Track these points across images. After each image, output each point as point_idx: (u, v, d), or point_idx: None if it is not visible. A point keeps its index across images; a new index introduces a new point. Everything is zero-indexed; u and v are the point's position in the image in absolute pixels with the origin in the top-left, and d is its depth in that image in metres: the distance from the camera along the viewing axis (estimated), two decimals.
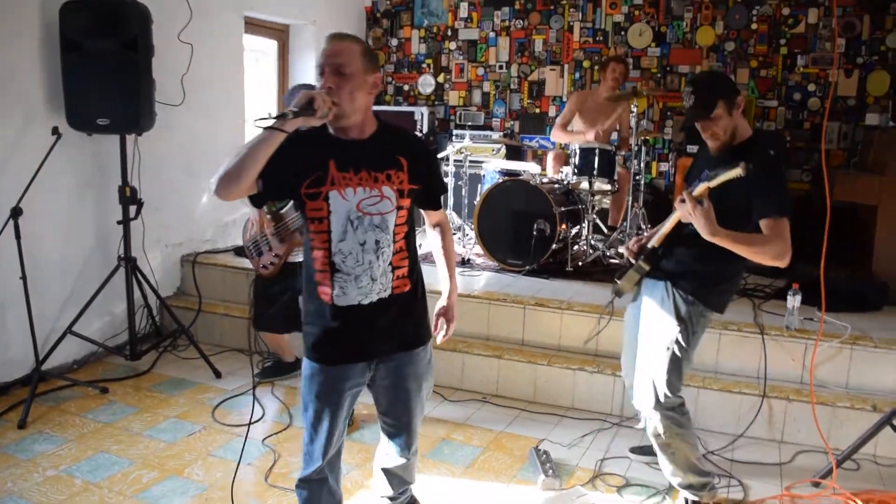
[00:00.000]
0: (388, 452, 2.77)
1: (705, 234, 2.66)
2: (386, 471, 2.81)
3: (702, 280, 2.95)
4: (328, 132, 2.31)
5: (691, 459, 3.10)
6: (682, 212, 2.72)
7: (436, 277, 2.74)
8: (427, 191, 2.46)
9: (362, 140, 2.31)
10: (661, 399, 2.99)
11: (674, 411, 3.03)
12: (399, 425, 2.66)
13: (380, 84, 2.32)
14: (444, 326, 2.64)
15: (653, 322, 3.03)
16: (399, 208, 2.32)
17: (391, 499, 2.90)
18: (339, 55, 2.20)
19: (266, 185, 2.20)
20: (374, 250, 2.30)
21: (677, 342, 2.95)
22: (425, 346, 2.56)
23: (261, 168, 2.10)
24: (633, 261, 3.14)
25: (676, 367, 2.98)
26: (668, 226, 2.94)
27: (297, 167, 2.24)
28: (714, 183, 2.63)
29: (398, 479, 2.84)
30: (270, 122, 2.08)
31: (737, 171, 2.55)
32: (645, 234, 3.36)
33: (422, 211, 2.62)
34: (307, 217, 2.30)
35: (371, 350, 2.44)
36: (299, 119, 2.10)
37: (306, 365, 2.45)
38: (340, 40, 2.24)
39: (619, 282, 3.19)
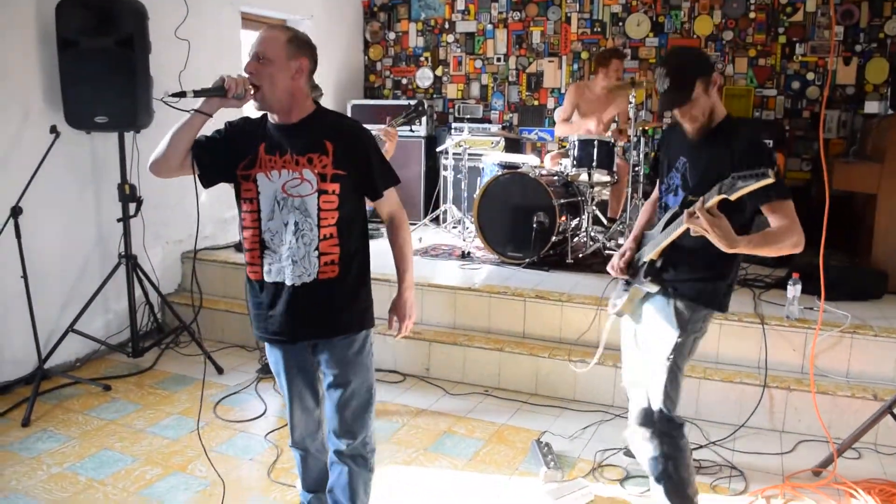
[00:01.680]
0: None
1: (724, 248, 2.38)
2: (329, 491, 2.67)
3: (706, 284, 2.69)
4: (267, 120, 2.43)
5: (686, 492, 2.77)
6: (696, 227, 2.38)
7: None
8: (361, 178, 2.43)
9: (290, 125, 2.39)
10: (657, 415, 2.74)
11: (671, 429, 2.75)
12: (331, 417, 2.58)
13: (306, 69, 2.37)
14: (398, 323, 2.61)
15: (651, 334, 2.79)
16: (322, 192, 2.34)
17: None
18: (260, 44, 2.32)
19: (204, 169, 2.39)
20: (294, 232, 2.36)
21: (676, 351, 2.71)
22: (351, 336, 2.50)
23: (186, 148, 2.31)
24: (628, 280, 2.90)
25: (674, 378, 2.74)
26: (671, 238, 2.61)
27: (234, 152, 2.39)
28: (735, 195, 2.26)
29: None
30: (172, 101, 2.24)
31: (767, 181, 2.18)
32: (624, 242, 3.03)
33: (373, 203, 2.56)
34: (241, 198, 2.42)
35: (298, 331, 2.47)
36: (215, 100, 2.28)
37: None
38: (267, 30, 2.37)
39: (618, 304, 2.93)
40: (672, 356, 2.71)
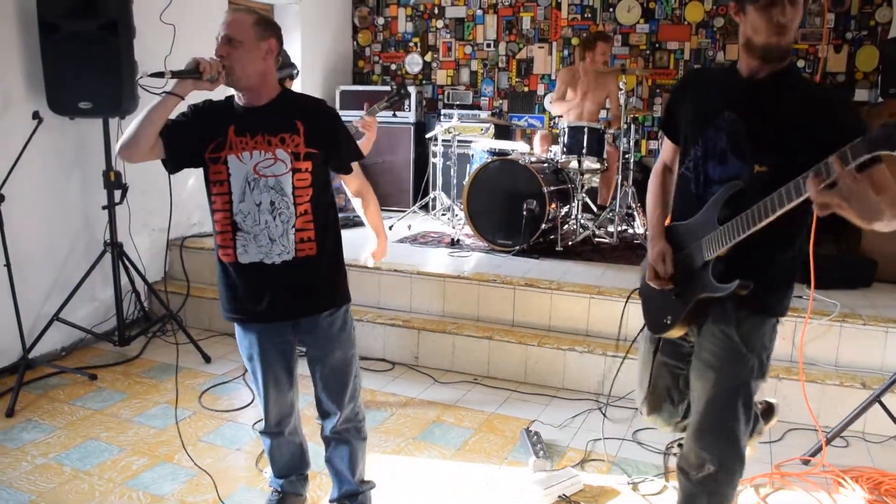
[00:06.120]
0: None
1: (863, 224, 1.73)
2: (327, 461, 2.81)
3: (776, 285, 2.19)
4: (233, 102, 2.49)
5: None
6: (826, 202, 1.68)
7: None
8: (332, 155, 2.53)
9: (259, 106, 2.45)
10: (744, 452, 2.26)
11: (734, 462, 2.28)
12: (320, 394, 2.70)
13: (275, 49, 2.43)
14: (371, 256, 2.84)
15: (714, 358, 2.24)
16: (295, 171, 2.42)
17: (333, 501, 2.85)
18: (229, 27, 2.36)
19: (172, 153, 2.42)
20: (270, 211, 2.42)
21: (750, 375, 2.21)
22: (334, 310, 2.61)
23: (157, 130, 2.32)
24: (676, 291, 2.29)
25: (749, 405, 2.24)
26: (768, 220, 1.96)
27: (201, 135, 2.43)
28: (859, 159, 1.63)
29: (337, 475, 2.80)
30: (148, 81, 2.30)
31: None
32: (648, 243, 2.39)
33: (340, 179, 2.69)
34: (210, 181, 2.47)
35: (280, 310, 2.55)
36: (189, 82, 2.30)
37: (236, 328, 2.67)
38: (233, 13, 2.42)
39: (668, 322, 2.33)
40: (748, 385, 2.23)
